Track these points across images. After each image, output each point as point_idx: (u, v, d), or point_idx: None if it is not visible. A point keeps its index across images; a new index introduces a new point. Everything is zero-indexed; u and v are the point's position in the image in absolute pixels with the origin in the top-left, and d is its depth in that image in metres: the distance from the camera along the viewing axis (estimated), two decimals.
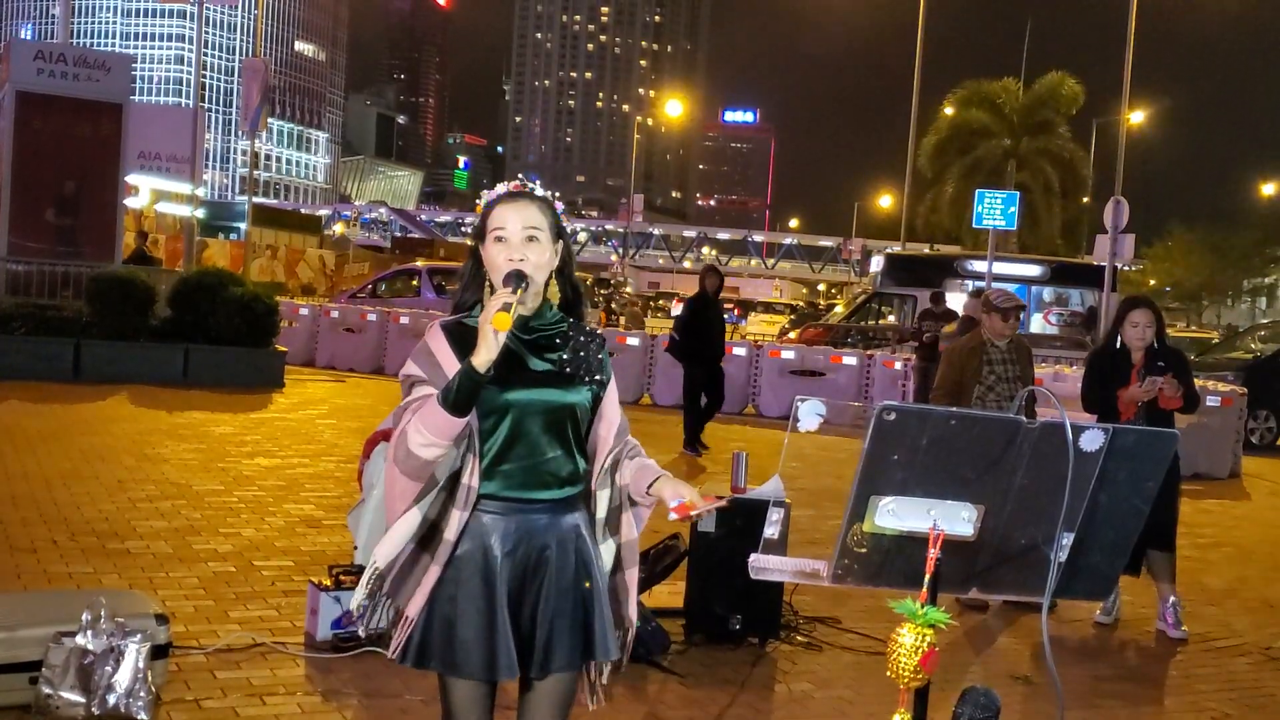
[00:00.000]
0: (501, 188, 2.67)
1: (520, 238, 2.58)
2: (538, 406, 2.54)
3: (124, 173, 17.53)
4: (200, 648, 4.88)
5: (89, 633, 4.06)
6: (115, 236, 16.88)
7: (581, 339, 2.55)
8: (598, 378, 2.64)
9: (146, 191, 28.24)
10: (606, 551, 2.67)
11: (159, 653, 4.24)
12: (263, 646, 4.96)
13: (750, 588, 5.35)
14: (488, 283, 2.63)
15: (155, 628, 4.23)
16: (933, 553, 2.20)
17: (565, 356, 2.55)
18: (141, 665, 4.04)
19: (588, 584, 2.62)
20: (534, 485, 2.56)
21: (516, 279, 2.50)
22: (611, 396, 2.71)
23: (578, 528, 2.63)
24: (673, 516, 2.54)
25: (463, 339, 2.54)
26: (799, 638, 5.70)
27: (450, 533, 2.50)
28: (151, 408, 12.12)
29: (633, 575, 2.71)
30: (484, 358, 2.39)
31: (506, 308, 2.39)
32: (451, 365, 2.50)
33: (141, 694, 4.01)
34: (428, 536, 2.52)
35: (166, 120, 27.96)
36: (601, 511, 2.65)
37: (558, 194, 2.79)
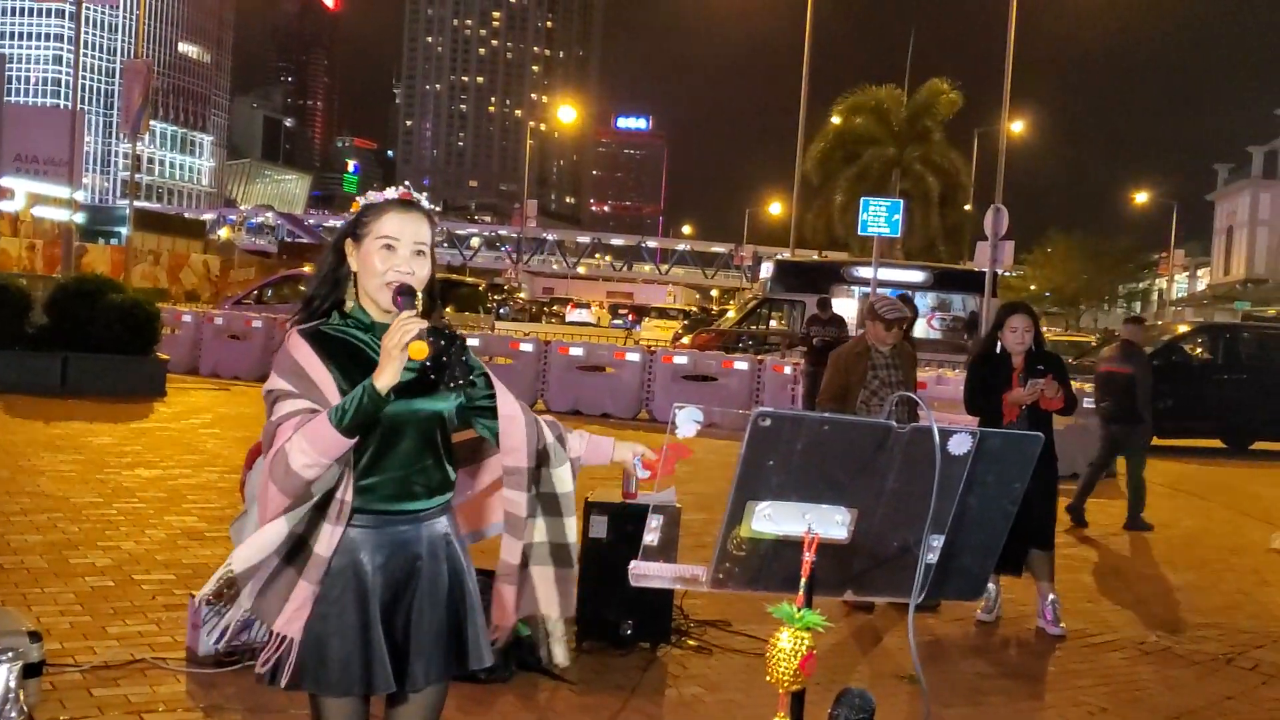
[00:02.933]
0: (391, 192, 2.60)
1: (410, 250, 2.52)
2: (407, 417, 2.50)
3: None
4: (76, 665, 4.73)
5: None
6: None
7: (441, 343, 2.46)
8: (462, 381, 2.54)
9: (22, 195, 27.37)
10: (570, 525, 2.71)
11: (31, 671, 4.09)
12: (142, 663, 4.83)
13: (641, 593, 5.36)
14: (353, 285, 2.56)
15: (28, 645, 4.08)
16: (808, 556, 2.23)
17: (428, 364, 2.47)
18: (13, 684, 3.90)
19: (461, 596, 2.62)
20: (404, 497, 2.53)
21: (410, 296, 2.45)
22: (499, 389, 2.67)
23: (447, 535, 2.61)
24: (645, 474, 2.73)
25: (329, 348, 2.47)
26: (690, 642, 5.74)
27: (322, 548, 2.44)
28: (27, 418, 11.71)
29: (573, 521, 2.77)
30: (390, 380, 2.35)
31: (423, 335, 2.33)
32: (324, 378, 2.43)
33: (12, 714, 3.86)
34: (294, 551, 2.44)
35: (43, 122, 27.06)
36: (569, 485, 2.69)
37: (446, 200, 2.75)
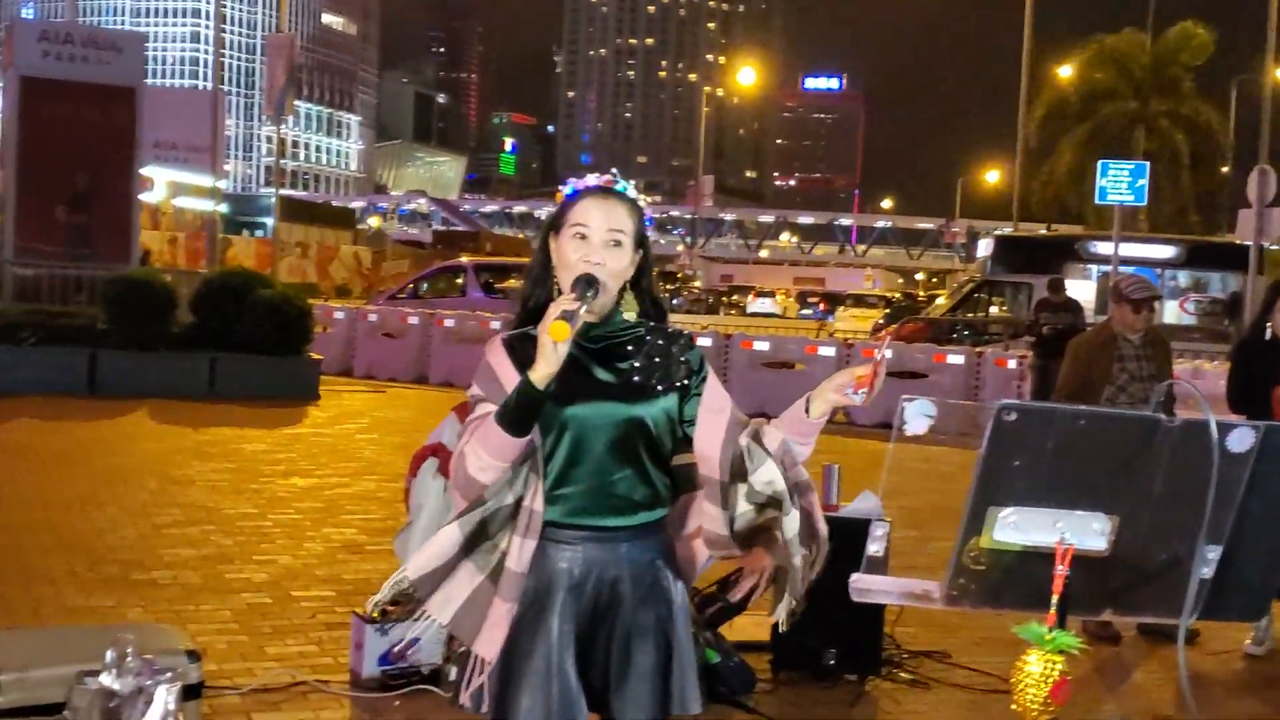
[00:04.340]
0: (591, 179, 2.68)
1: (603, 239, 2.58)
2: (600, 421, 2.54)
3: (139, 164, 17.88)
4: (235, 688, 4.97)
5: (114, 672, 4.15)
6: (131, 235, 17.22)
7: (660, 342, 2.58)
8: (678, 383, 2.61)
9: (162, 184, 28.81)
10: (791, 524, 2.59)
11: (191, 693, 4.31)
12: (303, 685, 5.04)
13: (847, 618, 5.34)
14: (555, 282, 2.64)
15: (186, 665, 4.30)
16: (1061, 569, 2.20)
17: (636, 364, 2.56)
18: (172, 707, 4.10)
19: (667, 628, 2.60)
20: (602, 510, 2.57)
21: (585, 285, 2.51)
22: (710, 390, 2.64)
23: (655, 560, 2.62)
24: (859, 400, 2.48)
25: (526, 354, 2.54)
26: (903, 674, 5.68)
27: (513, 563, 2.51)
28: (175, 424, 12.37)
29: (813, 498, 2.65)
30: (543, 372, 2.40)
31: (566, 316, 2.39)
32: (514, 383, 2.51)
33: None
34: (492, 566, 2.53)
35: (183, 105, 28.45)
36: (780, 484, 2.57)
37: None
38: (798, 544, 2.65)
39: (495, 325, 16.50)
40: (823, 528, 2.66)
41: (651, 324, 2.68)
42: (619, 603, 2.57)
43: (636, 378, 2.57)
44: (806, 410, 2.59)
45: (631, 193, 2.69)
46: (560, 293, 2.60)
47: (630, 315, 2.66)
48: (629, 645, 2.57)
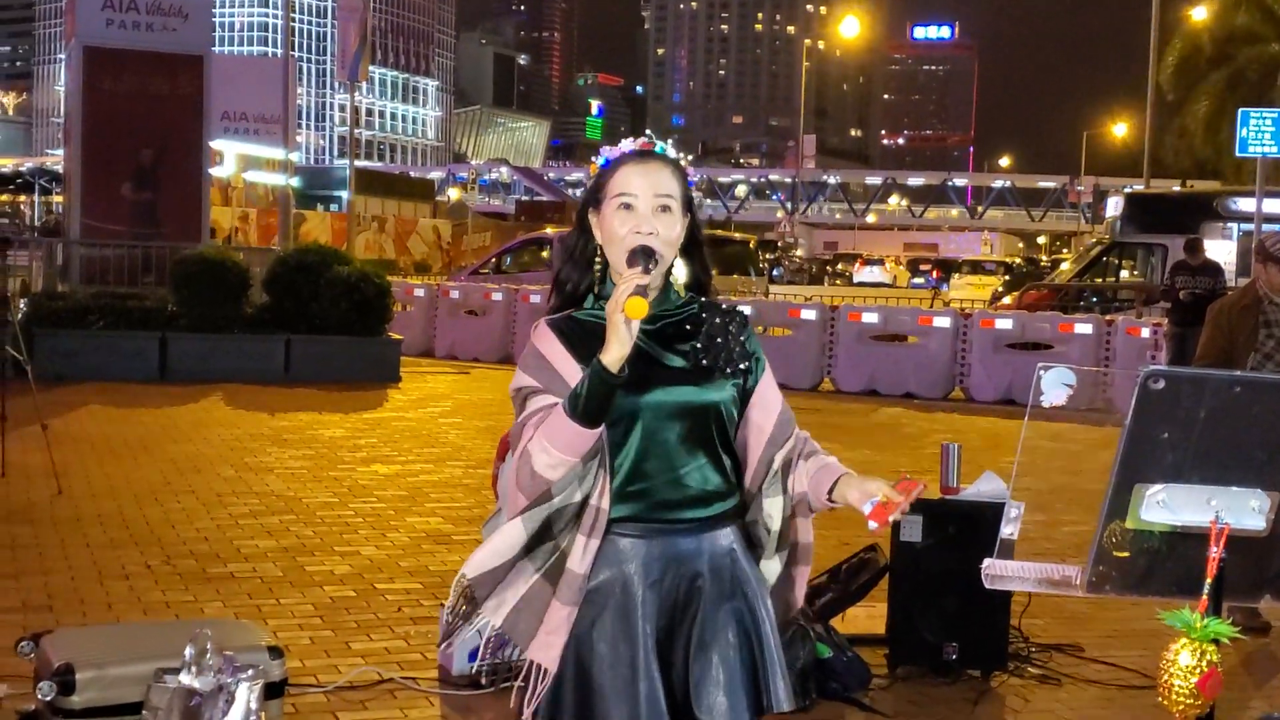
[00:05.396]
0: (627, 144, 2.67)
1: (651, 206, 2.57)
2: (672, 409, 2.54)
3: (208, 137, 18.15)
4: (319, 685, 5.06)
5: (194, 669, 4.22)
6: (201, 211, 17.48)
7: (717, 321, 2.58)
8: (741, 366, 2.61)
9: (232, 158, 29.22)
10: (769, 569, 2.66)
11: (273, 691, 4.37)
12: (390, 683, 5.11)
13: (968, 609, 5.31)
14: (598, 260, 2.63)
15: (269, 662, 4.36)
16: (1215, 551, 2.16)
17: (699, 345, 2.55)
18: (255, 706, 4.18)
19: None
20: (677, 503, 2.56)
21: (645, 256, 2.48)
22: (765, 385, 2.67)
23: (732, 551, 2.61)
24: (872, 526, 2.45)
25: (578, 338, 2.54)
26: (1031, 669, 5.63)
27: (576, 563, 2.51)
28: (250, 409, 12.60)
29: (804, 570, 2.72)
30: (617, 353, 2.38)
31: (641, 291, 2.37)
32: (570, 369, 2.51)
33: None
34: (550, 565, 2.52)
35: (252, 74, 28.89)
36: (776, 524, 2.64)
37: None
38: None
39: None
40: (794, 609, 2.71)
41: (703, 299, 2.68)
42: (698, 600, 2.57)
43: (704, 360, 2.57)
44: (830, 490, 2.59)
45: (671, 153, 2.69)
46: (608, 267, 2.61)
47: (679, 285, 2.65)
48: (707, 643, 2.56)
